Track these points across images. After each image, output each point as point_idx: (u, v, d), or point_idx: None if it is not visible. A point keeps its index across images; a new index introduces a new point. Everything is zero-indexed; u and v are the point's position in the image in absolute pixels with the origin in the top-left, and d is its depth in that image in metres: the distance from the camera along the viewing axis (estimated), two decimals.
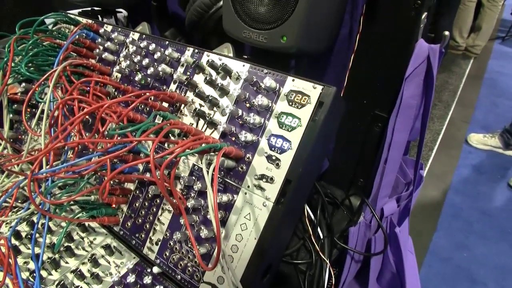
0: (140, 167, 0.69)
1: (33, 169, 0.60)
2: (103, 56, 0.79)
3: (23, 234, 0.73)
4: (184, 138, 0.62)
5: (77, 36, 0.80)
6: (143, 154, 0.66)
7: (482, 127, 2.95)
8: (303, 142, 0.53)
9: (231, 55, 0.77)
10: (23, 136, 0.92)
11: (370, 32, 0.72)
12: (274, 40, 0.66)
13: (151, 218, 0.66)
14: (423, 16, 0.67)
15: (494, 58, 4.40)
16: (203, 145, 0.53)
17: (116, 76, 0.78)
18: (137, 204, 0.68)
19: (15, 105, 0.90)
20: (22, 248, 0.70)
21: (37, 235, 0.70)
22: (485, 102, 3.39)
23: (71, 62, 0.73)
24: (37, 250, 0.67)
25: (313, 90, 0.55)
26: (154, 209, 0.66)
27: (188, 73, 0.68)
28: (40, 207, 0.63)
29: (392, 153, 0.77)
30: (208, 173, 0.52)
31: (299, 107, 0.55)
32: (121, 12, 1.13)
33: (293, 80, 0.57)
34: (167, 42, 0.73)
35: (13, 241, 0.70)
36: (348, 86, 0.78)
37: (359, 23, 0.72)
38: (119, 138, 0.58)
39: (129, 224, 0.69)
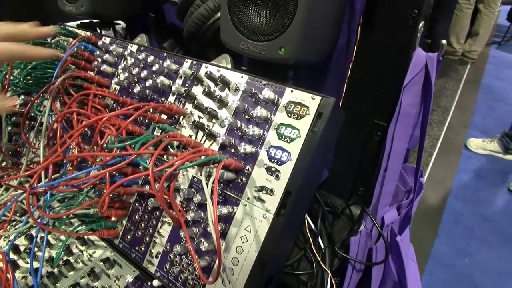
0: (139, 179, 0.68)
1: (32, 183, 0.60)
2: (101, 68, 0.79)
3: (22, 248, 0.72)
4: (183, 150, 0.62)
5: (75, 49, 0.80)
6: (142, 166, 0.65)
7: (481, 131, 2.96)
8: (302, 153, 0.53)
9: (229, 66, 0.77)
10: (21, 149, 0.92)
11: (367, 42, 0.72)
12: (272, 51, 0.66)
13: (150, 231, 0.66)
14: (420, 25, 0.67)
15: (491, 63, 4.43)
16: (202, 157, 0.52)
17: (115, 88, 0.78)
18: (136, 217, 0.68)
19: (14, 118, 0.90)
20: (20, 262, 0.70)
21: (36, 249, 0.69)
22: (483, 107, 3.40)
23: (69, 75, 0.73)
24: (35, 264, 0.66)
25: (312, 101, 0.55)
26: (154, 222, 0.65)
27: (187, 85, 0.68)
28: (38, 221, 0.63)
29: (392, 161, 0.77)
30: (207, 186, 0.52)
31: (298, 118, 0.55)
32: (119, 24, 1.13)
33: (291, 91, 0.57)
34: (165, 54, 0.73)
35: (11, 256, 0.70)
36: (347, 96, 0.78)
37: (356, 33, 0.73)
38: (118, 151, 0.58)
39: (128, 237, 0.68)
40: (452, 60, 4.17)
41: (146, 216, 0.67)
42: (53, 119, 0.70)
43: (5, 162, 0.85)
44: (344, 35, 0.75)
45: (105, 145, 0.65)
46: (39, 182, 0.66)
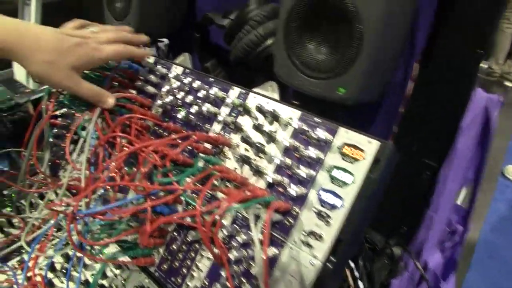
0: (179, 207, 0.67)
1: (74, 210, 0.59)
2: (144, 88, 0.78)
3: (58, 266, 0.72)
4: (227, 184, 0.60)
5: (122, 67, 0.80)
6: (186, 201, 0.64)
7: None
8: (357, 200, 0.50)
9: (276, 95, 0.75)
10: (60, 161, 0.92)
11: (425, 79, 0.69)
12: (330, 90, 0.62)
13: (188, 263, 0.64)
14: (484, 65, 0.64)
15: None
16: (253, 199, 0.50)
17: (157, 111, 0.77)
18: (174, 247, 0.66)
19: (55, 130, 0.91)
20: (55, 281, 0.69)
21: (71, 268, 0.69)
22: None
23: (119, 95, 0.73)
24: (71, 285, 0.66)
25: (368, 145, 0.51)
26: (192, 254, 0.64)
27: (233, 114, 0.66)
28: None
29: (441, 203, 0.73)
30: (255, 226, 0.50)
31: (352, 161, 0.52)
32: (162, 41, 1.13)
33: (346, 132, 0.54)
34: (211, 79, 0.71)
35: (48, 275, 0.70)
36: (398, 132, 0.75)
37: (412, 68, 0.70)
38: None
39: (165, 266, 0.67)
40: (490, 82, 4.03)
41: (184, 247, 0.65)
42: (96, 142, 0.69)
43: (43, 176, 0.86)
44: (400, 70, 0.71)
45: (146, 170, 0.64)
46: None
